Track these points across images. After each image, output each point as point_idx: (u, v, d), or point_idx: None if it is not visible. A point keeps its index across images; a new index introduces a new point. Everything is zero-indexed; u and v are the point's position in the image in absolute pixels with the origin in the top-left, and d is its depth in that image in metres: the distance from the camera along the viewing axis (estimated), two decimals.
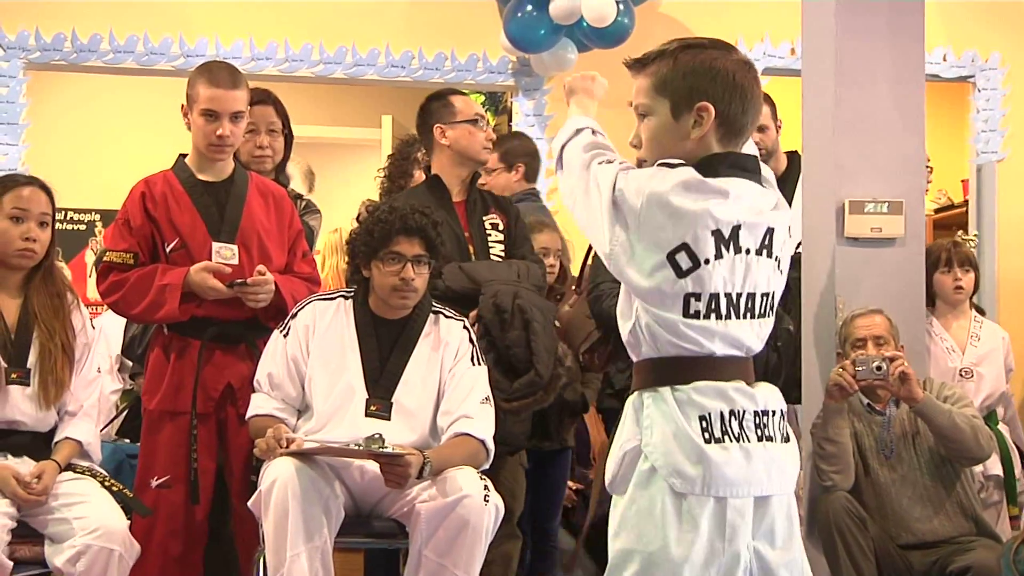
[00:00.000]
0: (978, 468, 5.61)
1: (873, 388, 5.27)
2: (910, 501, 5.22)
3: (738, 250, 3.07)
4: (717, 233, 3.03)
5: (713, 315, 3.07)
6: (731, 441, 3.05)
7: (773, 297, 3.19)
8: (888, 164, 5.71)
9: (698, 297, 3.05)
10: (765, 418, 3.11)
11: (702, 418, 3.04)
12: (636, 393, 3.14)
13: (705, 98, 3.08)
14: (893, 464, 5.27)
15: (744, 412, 3.08)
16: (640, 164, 3.23)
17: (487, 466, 4.67)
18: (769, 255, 3.13)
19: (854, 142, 5.69)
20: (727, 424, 3.06)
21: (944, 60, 7.71)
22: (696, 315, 3.06)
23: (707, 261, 3.03)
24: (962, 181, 8.36)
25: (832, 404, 5.20)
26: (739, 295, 3.09)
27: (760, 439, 3.09)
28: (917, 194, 5.79)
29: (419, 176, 6.02)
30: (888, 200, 5.66)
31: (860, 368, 5.18)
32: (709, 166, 3.08)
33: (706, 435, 3.04)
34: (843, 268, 5.56)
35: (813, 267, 5.68)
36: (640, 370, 3.15)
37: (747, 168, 3.16)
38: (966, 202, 8.13)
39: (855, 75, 5.70)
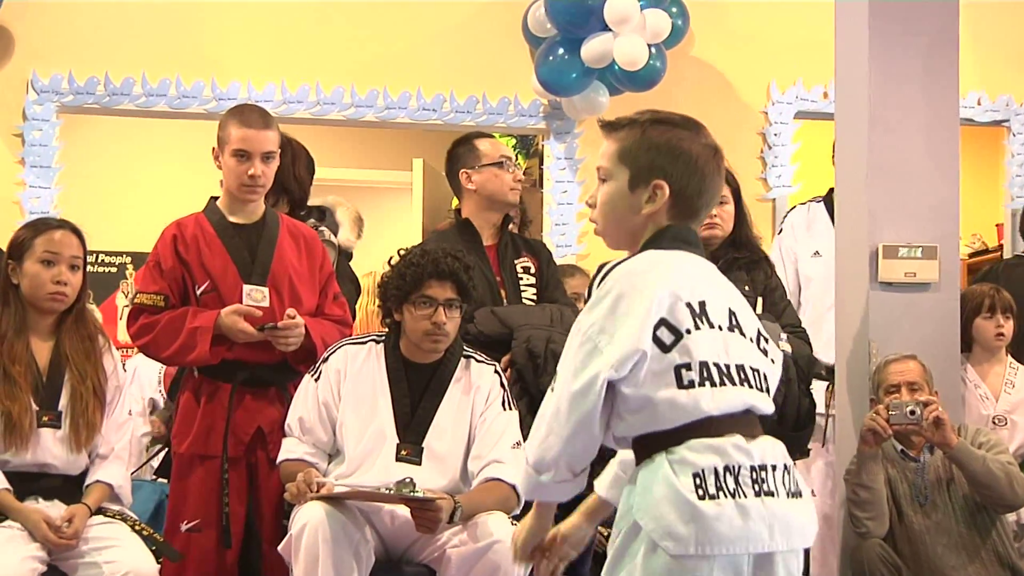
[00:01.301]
0: (1011, 517, 5.58)
1: (907, 434, 5.27)
2: (945, 549, 5.20)
3: (711, 324, 3.03)
4: (689, 306, 3.01)
5: (708, 383, 3.00)
6: (726, 497, 2.95)
7: (766, 377, 3.12)
8: (922, 209, 5.71)
9: (688, 367, 3.00)
10: (763, 473, 3.01)
11: (696, 475, 2.94)
12: (639, 466, 3.06)
13: (663, 176, 3.06)
14: (928, 511, 5.26)
15: (739, 467, 2.98)
16: (594, 225, 3.24)
17: (518, 511, 4.67)
18: (742, 334, 3.09)
19: (888, 186, 5.70)
20: (721, 480, 2.96)
21: (978, 104, 7.70)
22: (691, 385, 2.99)
23: (688, 331, 2.99)
24: (996, 225, 8.37)
25: (866, 450, 5.19)
26: (728, 366, 3.03)
27: (758, 494, 3.00)
28: (952, 239, 5.78)
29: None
30: (922, 245, 5.66)
31: (894, 412, 5.17)
32: (653, 241, 3.08)
33: (699, 491, 2.94)
34: (877, 313, 5.56)
35: (846, 312, 5.68)
36: (637, 446, 3.06)
37: (689, 241, 3.13)
38: (1000, 247, 8.13)
39: (889, 119, 5.70)
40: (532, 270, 5.46)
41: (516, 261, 5.45)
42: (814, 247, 6.47)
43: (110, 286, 8.89)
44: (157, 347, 4.94)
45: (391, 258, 4.94)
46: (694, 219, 3.14)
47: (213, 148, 5.01)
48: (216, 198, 5.10)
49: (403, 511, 4.55)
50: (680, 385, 2.97)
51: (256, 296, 4.89)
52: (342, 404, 4.79)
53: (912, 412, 5.15)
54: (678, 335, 2.98)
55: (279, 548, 4.54)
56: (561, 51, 6.99)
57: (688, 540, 2.91)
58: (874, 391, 5.40)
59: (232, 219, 5.02)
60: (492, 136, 5.60)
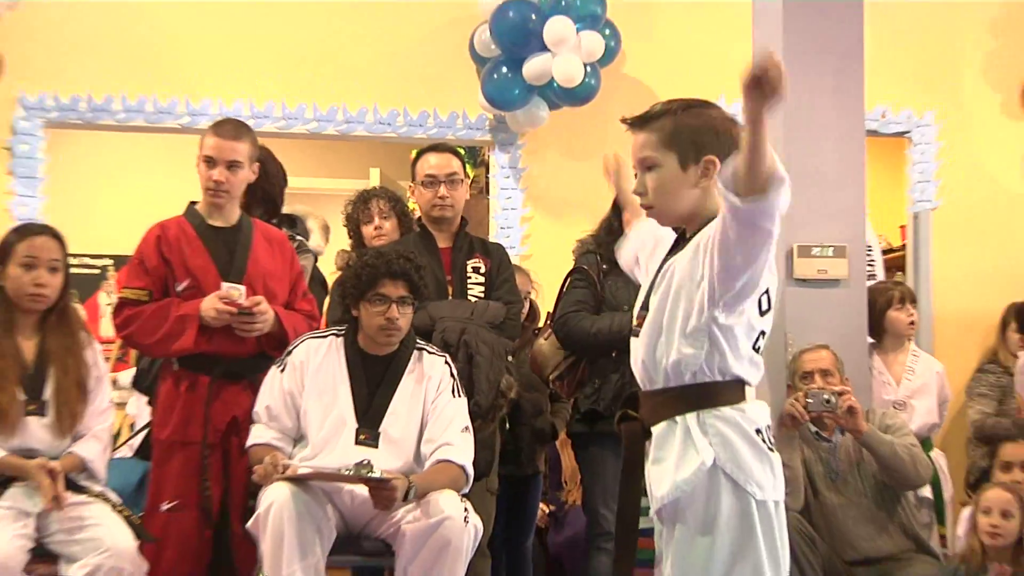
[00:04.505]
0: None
1: (822, 419, 5.27)
2: (855, 522, 5.21)
3: (771, 305, 3.18)
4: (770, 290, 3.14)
5: (760, 354, 3.18)
6: (772, 451, 3.14)
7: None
8: (833, 212, 5.73)
9: (764, 334, 3.16)
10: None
11: (757, 431, 3.11)
12: (693, 414, 3.12)
13: (712, 151, 3.13)
14: (840, 488, 5.26)
15: (768, 426, 3.17)
16: (647, 209, 3.29)
17: (467, 489, 4.68)
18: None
19: (802, 192, 5.65)
20: (767, 436, 3.14)
21: (883, 117, 7.73)
22: (759, 351, 3.17)
23: (770, 309, 3.15)
24: (900, 227, 8.39)
25: (784, 432, 5.19)
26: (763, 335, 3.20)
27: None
28: (859, 239, 5.81)
29: (368, 231, 6.00)
30: (833, 245, 5.68)
31: (811, 400, 5.18)
32: None
33: (765, 445, 3.11)
34: (792, 307, 5.56)
35: None
36: (688, 394, 3.12)
37: None
38: (904, 246, 8.15)
39: (802, 131, 5.72)
40: (482, 270, 5.42)
41: (468, 261, 5.42)
42: None
43: (93, 286, 8.82)
44: (142, 335, 4.90)
45: (349, 259, 4.92)
46: None
47: (197, 157, 5.01)
48: (195, 203, 5.09)
49: (362, 490, 4.53)
50: (755, 349, 3.14)
51: (233, 292, 4.87)
52: (305, 393, 4.77)
53: (828, 401, 5.16)
54: (770, 307, 3.14)
55: (247, 525, 4.51)
56: (504, 70, 6.98)
57: (768, 487, 3.08)
58: (790, 378, 5.42)
59: (211, 222, 5.01)
60: (441, 151, 5.52)
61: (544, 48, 6.87)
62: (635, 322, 3.28)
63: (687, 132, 3.15)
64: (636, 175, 3.25)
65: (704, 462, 3.05)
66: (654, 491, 3.17)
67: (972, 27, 7.92)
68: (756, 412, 3.13)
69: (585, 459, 5.51)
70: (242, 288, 4.89)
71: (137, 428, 6.07)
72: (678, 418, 3.13)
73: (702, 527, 3.07)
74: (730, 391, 3.13)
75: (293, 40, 7.30)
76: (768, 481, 3.08)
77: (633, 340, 3.27)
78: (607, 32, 7.09)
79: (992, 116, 7.92)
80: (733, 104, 7.48)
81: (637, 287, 3.44)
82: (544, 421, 5.78)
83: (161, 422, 4.96)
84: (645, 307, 3.24)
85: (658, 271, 3.26)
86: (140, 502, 5.10)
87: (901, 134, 7.84)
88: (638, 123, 3.22)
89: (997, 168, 7.90)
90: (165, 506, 4.84)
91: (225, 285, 4.88)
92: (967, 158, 7.85)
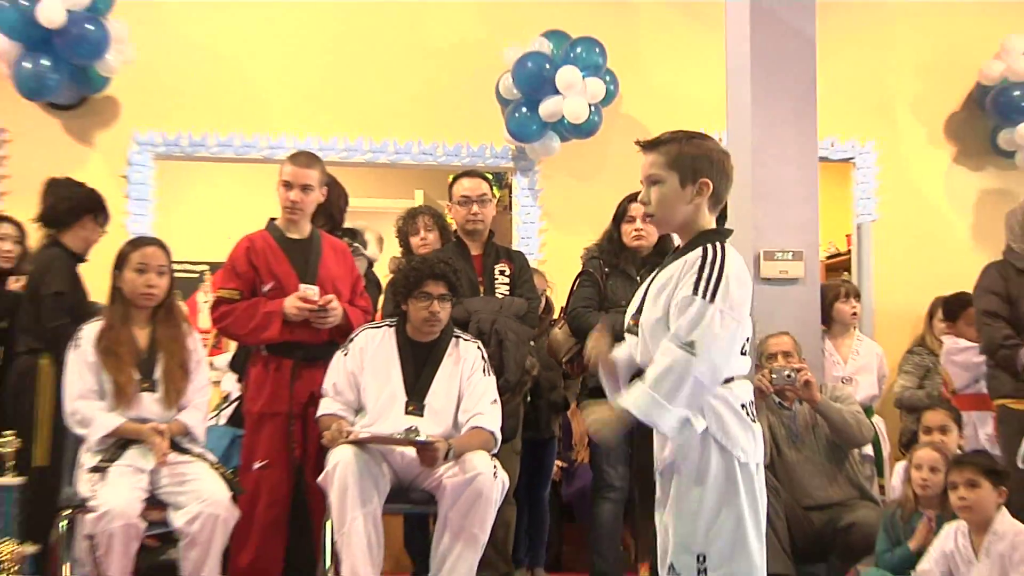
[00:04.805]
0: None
1: (784, 391, 5.26)
2: (811, 475, 5.20)
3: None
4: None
5: (744, 354, 3.12)
6: (755, 422, 3.11)
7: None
8: (792, 224, 5.72)
9: (748, 339, 3.11)
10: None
11: (743, 405, 3.08)
12: None
13: (706, 176, 3.12)
14: (798, 447, 5.25)
15: (752, 400, 3.14)
16: (649, 217, 3.26)
17: (496, 450, 4.69)
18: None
19: (767, 207, 5.70)
20: (751, 410, 3.11)
21: (832, 146, 7.71)
22: (744, 353, 3.12)
23: (750, 314, 3.11)
24: (846, 236, 8.37)
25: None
26: (749, 339, 3.14)
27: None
28: (813, 246, 5.80)
29: (415, 242, 6.00)
30: (792, 250, 5.66)
31: (775, 376, 5.18)
32: (721, 236, 3.17)
33: (749, 418, 3.08)
34: (759, 301, 5.51)
35: None
36: None
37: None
38: (849, 251, 8.13)
39: (767, 158, 5.71)
40: (507, 272, 5.42)
41: (495, 266, 5.41)
42: None
43: (192, 287, 8.82)
44: (236, 327, 4.96)
45: (399, 264, 4.92)
46: (720, 204, 3.21)
47: (277, 181, 5.04)
48: (275, 219, 5.11)
49: (410, 451, 4.55)
50: (742, 352, 3.10)
51: (309, 292, 4.91)
52: (364, 372, 4.77)
53: (789, 376, 5.17)
54: (747, 345, 3.12)
55: (318, 480, 4.54)
56: (524, 109, 6.98)
57: (751, 452, 3.06)
58: (758, 358, 5.40)
59: (289, 235, 5.05)
60: (478, 176, 5.53)
61: (556, 92, 6.86)
62: (630, 322, 3.24)
63: (688, 158, 3.13)
64: (643, 188, 3.22)
65: (697, 429, 3.02)
66: (657, 454, 3.16)
67: (903, 73, 7.91)
68: (741, 390, 3.09)
69: None
70: (316, 288, 4.91)
71: (229, 402, 6.09)
72: None
73: (695, 480, 3.05)
74: None
75: (354, 88, 7.32)
76: (751, 447, 3.06)
77: (630, 336, 3.23)
78: (608, 78, 7.09)
79: (920, 145, 7.91)
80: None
81: (634, 287, 3.41)
82: (558, 395, 5.78)
83: (253, 397, 4.98)
84: (639, 311, 3.19)
85: (651, 279, 3.23)
86: (231, 461, 5.14)
87: (847, 159, 7.82)
88: (649, 146, 3.20)
89: (925, 187, 7.89)
90: (257, 465, 4.88)
91: (303, 286, 4.91)
92: (900, 179, 7.83)
